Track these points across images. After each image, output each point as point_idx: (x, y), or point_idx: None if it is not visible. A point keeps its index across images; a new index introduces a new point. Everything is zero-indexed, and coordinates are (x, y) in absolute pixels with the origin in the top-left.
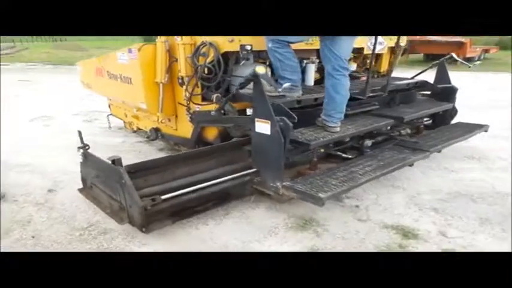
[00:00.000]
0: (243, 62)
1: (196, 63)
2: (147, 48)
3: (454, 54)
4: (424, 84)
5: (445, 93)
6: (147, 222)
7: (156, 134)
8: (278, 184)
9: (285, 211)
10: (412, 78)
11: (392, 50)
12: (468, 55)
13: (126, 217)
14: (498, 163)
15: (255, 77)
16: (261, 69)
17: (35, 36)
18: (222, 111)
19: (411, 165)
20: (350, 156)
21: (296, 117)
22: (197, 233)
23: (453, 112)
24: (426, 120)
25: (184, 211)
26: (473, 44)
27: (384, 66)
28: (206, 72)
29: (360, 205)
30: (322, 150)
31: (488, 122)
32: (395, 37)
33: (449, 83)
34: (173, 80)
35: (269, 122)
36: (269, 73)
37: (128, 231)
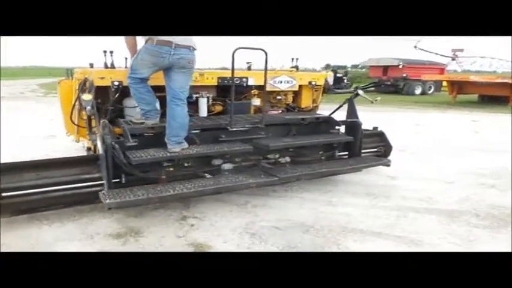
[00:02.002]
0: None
1: (79, 96)
2: (65, 82)
3: (359, 91)
4: (328, 120)
5: (351, 127)
6: None
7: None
8: (101, 192)
9: (120, 220)
10: (331, 113)
11: (314, 88)
12: None
13: None
14: (390, 201)
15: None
16: (87, 97)
17: None
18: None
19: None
20: (207, 176)
21: (133, 140)
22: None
23: (360, 145)
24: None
25: (30, 209)
26: None
27: (306, 103)
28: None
29: (195, 224)
30: (171, 169)
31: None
32: (308, 76)
33: (356, 118)
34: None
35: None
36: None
37: None
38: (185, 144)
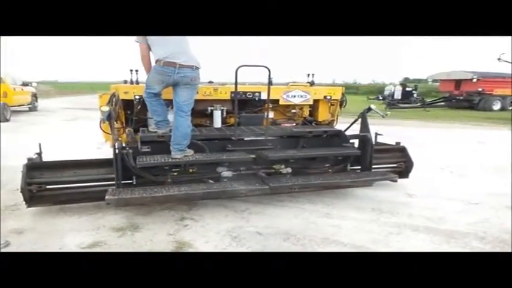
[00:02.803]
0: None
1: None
2: (104, 96)
3: (372, 106)
4: (338, 134)
5: (361, 141)
6: (31, 200)
7: None
8: (109, 190)
9: (128, 217)
10: (347, 128)
11: (331, 102)
12: None
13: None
14: (393, 218)
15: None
16: (104, 108)
17: None
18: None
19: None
20: (211, 181)
21: (146, 147)
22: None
23: (370, 159)
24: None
25: (68, 200)
26: None
27: (323, 116)
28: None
29: (189, 224)
30: (175, 173)
31: None
32: (324, 91)
33: (368, 132)
34: None
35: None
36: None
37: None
38: (189, 152)
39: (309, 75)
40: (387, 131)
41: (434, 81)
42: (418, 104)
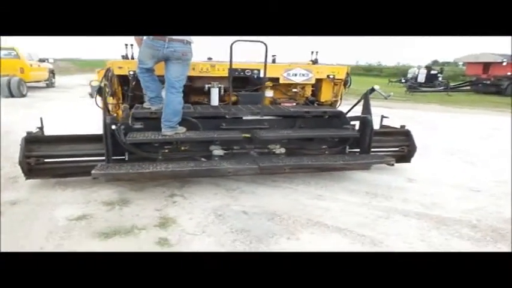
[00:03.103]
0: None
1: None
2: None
3: (375, 87)
4: (338, 115)
5: (362, 123)
6: (29, 173)
7: None
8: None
9: (121, 192)
10: (350, 109)
11: (334, 81)
12: None
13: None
14: (386, 202)
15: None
16: (95, 83)
17: None
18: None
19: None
20: (203, 159)
21: (139, 123)
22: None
23: (369, 142)
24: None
25: (65, 174)
26: None
27: (326, 96)
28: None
29: (177, 201)
30: (166, 150)
31: None
32: (327, 69)
33: (369, 114)
34: None
35: None
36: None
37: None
38: (180, 129)
39: (312, 52)
40: (402, 114)
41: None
42: (441, 88)
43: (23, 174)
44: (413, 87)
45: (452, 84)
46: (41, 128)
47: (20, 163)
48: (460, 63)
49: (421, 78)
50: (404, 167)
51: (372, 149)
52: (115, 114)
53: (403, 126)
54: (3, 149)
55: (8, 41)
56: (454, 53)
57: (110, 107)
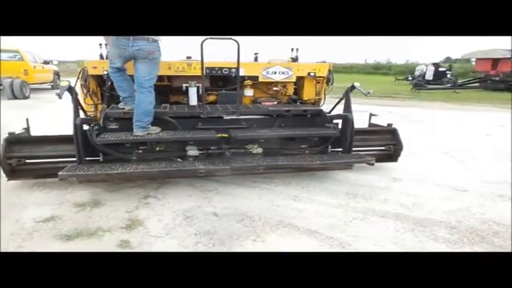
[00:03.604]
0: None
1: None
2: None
3: (355, 84)
4: (318, 113)
5: (343, 122)
6: (11, 174)
7: None
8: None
9: (96, 193)
10: (332, 108)
11: (316, 79)
12: None
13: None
14: (364, 203)
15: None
16: (64, 83)
17: None
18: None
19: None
20: (179, 160)
21: (109, 123)
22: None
23: (350, 141)
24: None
25: (47, 175)
26: None
27: (309, 95)
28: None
29: (150, 202)
30: (140, 151)
31: None
32: (308, 67)
33: (349, 112)
34: None
35: None
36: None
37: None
38: (153, 129)
39: (292, 49)
40: (403, 112)
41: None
42: (449, 85)
43: (2, 176)
44: (420, 84)
45: (460, 81)
46: (27, 129)
47: (1, 164)
48: (473, 60)
49: (429, 76)
50: (391, 166)
51: (357, 148)
52: (92, 115)
53: (390, 125)
54: None
55: (14, 42)
56: (467, 49)
57: (87, 107)
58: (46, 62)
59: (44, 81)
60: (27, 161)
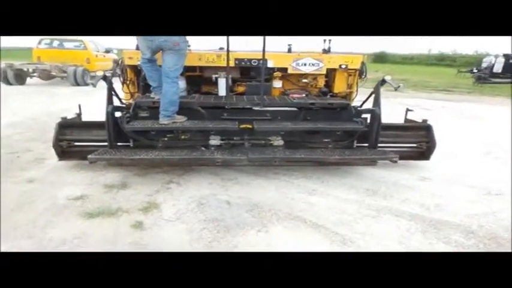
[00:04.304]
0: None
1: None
2: None
3: (386, 77)
4: (345, 107)
5: (371, 116)
6: (62, 155)
7: None
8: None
9: (125, 176)
10: (363, 102)
11: (348, 72)
12: None
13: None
14: (382, 201)
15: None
16: (99, 73)
17: None
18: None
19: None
20: (203, 148)
21: (141, 111)
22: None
23: (376, 136)
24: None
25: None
26: None
27: (340, 87)
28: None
29: (171, 188)
30: (166, 139)
31: None
32: (339, 59)
33: (378, 106)
34: None
35: None
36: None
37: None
38: (179, 118)
39: (325, 41)
40: (455, 107)
41: None
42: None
43: (51, 156)
44: (483, 77)
45: None
46: (79, 114)
47: (54, 146)
48: None
49: (498, 68)
50: (424, 164)
51: (386, 145)
52: (128, 102)
53: (425, 121)
54: (47, 132)
55: None
56: None
57: (125, 95)
58: (107, 51)
59: (104, 69)
60: (76, 143)
